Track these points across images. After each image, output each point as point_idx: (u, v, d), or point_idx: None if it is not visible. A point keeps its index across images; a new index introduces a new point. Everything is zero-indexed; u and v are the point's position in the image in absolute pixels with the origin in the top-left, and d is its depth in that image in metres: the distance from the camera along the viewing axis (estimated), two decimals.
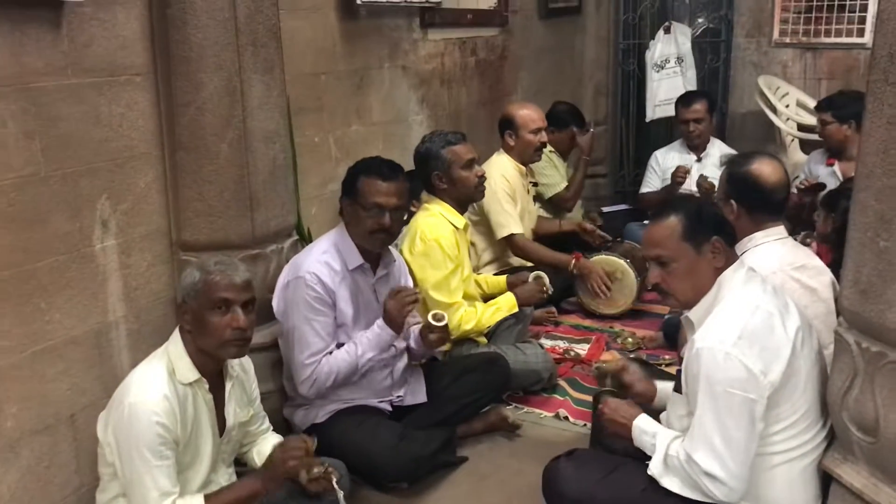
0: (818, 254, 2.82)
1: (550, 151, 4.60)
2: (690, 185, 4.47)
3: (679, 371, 2.13)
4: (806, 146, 5.04)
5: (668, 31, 5.52)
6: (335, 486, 2.22)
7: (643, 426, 2.14)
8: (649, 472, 2.06)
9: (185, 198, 2.60)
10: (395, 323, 2.66)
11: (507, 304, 3.30)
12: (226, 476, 2.32)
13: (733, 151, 4.77)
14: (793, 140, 5.28)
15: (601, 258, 4.06)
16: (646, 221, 4.73)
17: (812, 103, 5.26)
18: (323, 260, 2.66)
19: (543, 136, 4.07)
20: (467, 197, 3.30)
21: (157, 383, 2.07)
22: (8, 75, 2.09)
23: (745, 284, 2.05)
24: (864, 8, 5.20)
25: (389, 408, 2.82)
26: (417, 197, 3.32)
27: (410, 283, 2.98)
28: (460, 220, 3.25)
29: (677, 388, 2.12)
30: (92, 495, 2.28)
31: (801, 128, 5.18)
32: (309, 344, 2.62)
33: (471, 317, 3.16)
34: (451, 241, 3.12)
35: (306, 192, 3.32)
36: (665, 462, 2.03)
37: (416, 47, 4.06)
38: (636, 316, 4.13)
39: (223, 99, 2.55)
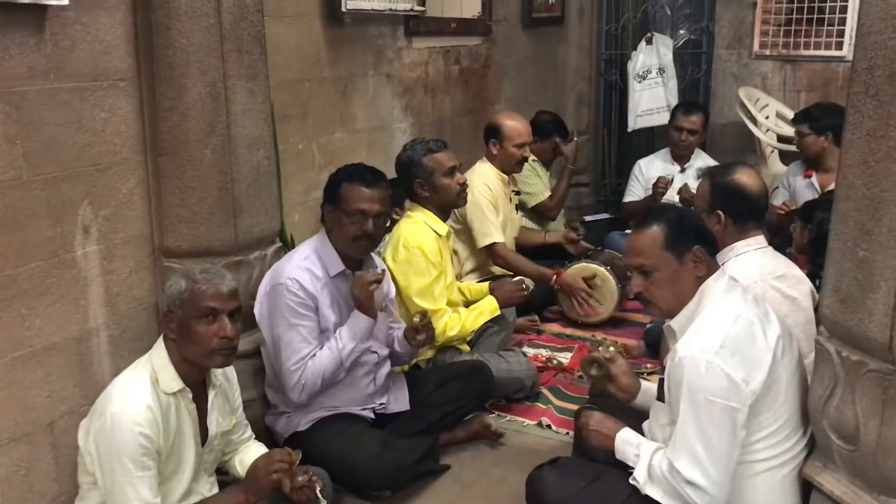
0: (798, 264, 2.86)
1: (533, 160, 4.61)
2: (672, 196, 4.50)
3: (661, 380, 2.14)
4: (785, 157, 5.10)
5: (650, 42, 5.57)
6: (318, 495, 2.22)
7: (627, 438, 2.15)
8: (632, 481, 2.07)
9: (167, 204, 2.58)
10: (364, 305, 2.65)
11: (488, 308, 3.30)
12: (208, 485, 2.31)
13: (716, 163, 4.82)
14: (772, 151, 5.34)
15: (582, 266, 4.08)
16: (627, 231, 4.78)
17: (791, 115, 5.32)
18: (304, 266, 2.65)
19: (527, 151, 4.08)
20: (449, 204, 3.30)
21: (139, 393, 2.05)
22: None
23: (726, 293, 2.07)
24: (842, 21, 5.27)
25: (372, 416, 2.81)
26: (400, 205, 3.32)
27: (393, 290, 2.98)
28: (443, 228, 3.25)
29: (660, 398, 2.13)
30: (71, 503, 2.25)
31: (781, 139, 5.23)
32: (296, 350, 2.61)
33: (455, 323, 3.16)
34: (434, 248, 3.12)
35: (290, 198, 3.32)
36: (648, 472, 2.04)
37: (401, 55, 4.07)
38: (618, 324, 4.15)
39: (207, 105, 2.54)
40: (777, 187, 4.48)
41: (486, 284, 3.53)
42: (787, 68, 5.63)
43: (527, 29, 5.40)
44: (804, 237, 3.17)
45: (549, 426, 3.14)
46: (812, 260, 3.00)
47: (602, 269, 4.04)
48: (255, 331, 2.72)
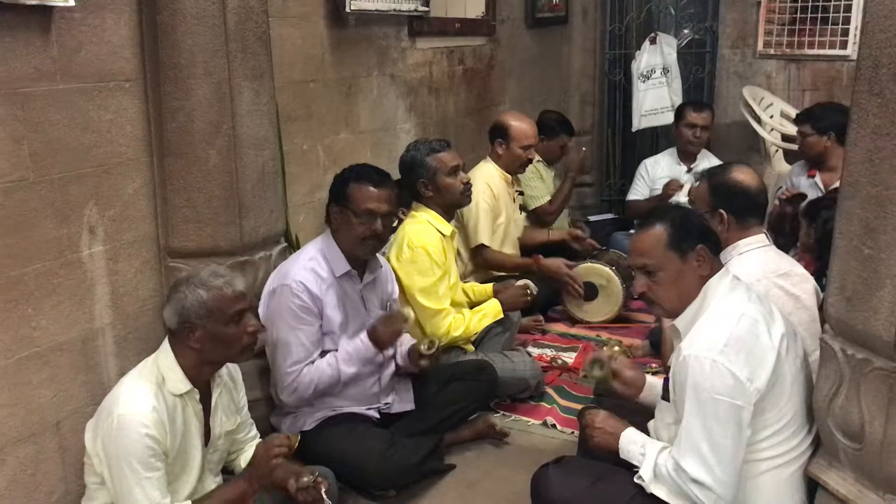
0: (803, 263, 2.86)
1: (538, 161, 4.62)
2: (680, 197, 4.49)
3: (666, 379, 2.14)
4: (790, 156, 5.08)
5: (653, 41, 5.57)
6: (324, 496, 2.22)
7: (632, 437, 2.15)
8: (637, 480, 2.07)
9: (173, 204, 2.59)
10: (381, 343, 2.69)
11: (492, 311, 3.31)
12: (213, 485, 2.32)
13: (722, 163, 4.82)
14: (777, 150, 5.33)
15: (587, 266, 4.08)
16: (632, 231, 4.79)
17: (795, 114, 5.32)
18: (309, 267, 2.66)
19: (533, 153, 4.09)
20: (453, 203, 3.31)
21: (145, 395, 2.07)
22: None
23: (730, 292, 2.06)
24: (846, 20, 5.26)
25: (377, 415, 2.81)
26: (407, 205, 3.32)
27: (396, 290, 2.99)
28: (447, 228, 3.25)
29: (665, 397, 2.13)
30: (78, 503, 2.26)
31: (785, 138, 5.22)
32: (292, 353, 2.62)
33: (459, 324, 3.17)
34: (439, 248, 3.13)
35: (295, 199, 3.32)
36: (654, 471, 2.04)
37: (405, 56, 4.07)
38: (622, 324, 4.15)
39: (212, 105, 2.55)
40: (781, 187, 4.47)
41: (489, 286, 3.53)
42: (792, 67, 5.62)
43: (530, 29, 5.41)
44: (810, 236, 3.17)
45: (553, 425, 3.14)
46: (818, 258, 3.00)
47: (608, 269, 4.04)
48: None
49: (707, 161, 4.76)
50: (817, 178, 4.10)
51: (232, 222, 2.65)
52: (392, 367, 2.88)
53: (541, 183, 4.64)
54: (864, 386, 1.80)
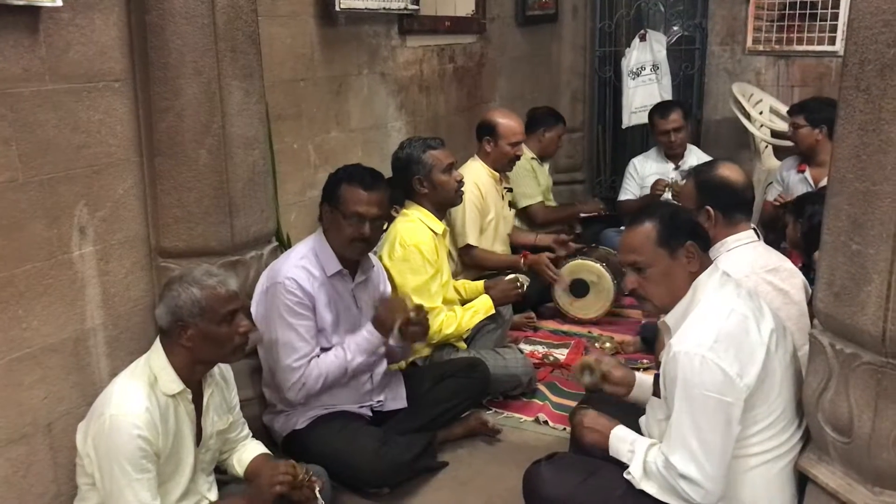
0: (791, 259, 2.87)
1: (532, 159, 4.64)
2: (668, 194, 4.50)
3: (657, 375, 2.15)
4: (779, 152, 5.11)
5: (643, 38, 5.58)
6: (317, 494, 2.22)
7: (620, 435, 2.17)
8: (626, 476, 2.08)
9: (163, 204, 2.59)
10: (385, 327, 2.68)
11: (483, 307, 3.32)
12: (206, 485, 2.31)
13: (710, 158, 4.83)
14: (766, 146, 5.35)
15: (578, 263, 4.09)
16: (622, 228, 4.79)
17: (785, 110, 5.34)
18: (301, 265, 2.66)
19: (521, 150, 4.09)
20: (448, 201, 3.32)
21: (137, 395, 2.06)
22: None
23: (719, 288, 2.08)
24: (835, 17, 5.29)
25: (370, 413, 2.82)
26: (400, 203, 3.32)
27: (389, 289, 2.99)
28: (439, 226, 3.26)
29: (656, 393, 2.14)
30: None
31: (775, 134, 5.25)
32: (296, 348, 2.61)
33: (451, 321, 3.17)
34: (431, 247, 3.13)
35: (285, 198, 3.32)
36: (644, 468, 2.05)
37: (395, 54, 4.07)
38: (614, 320, 4.16)
39: (202, 105, 2.54)
40: (771, 182, 4.50)
41: (481, 283, 3.54)
42: (781, 64, 5.65)
43: (520, 27, 5.41)
44: (797, 231, 3.19)
45: (546, 422, 3.15)
46: (805, 254, 3.02)
47: (599, 266, 4.05)
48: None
49: (695, 157, 4.77)
50: (807, 174, 4.13)
51: (223, 222, 2.64)
52: (384, 365, 2.88)
53: (534, 182, 4.64)
54: (852, 380, 1.82)
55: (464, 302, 3.42)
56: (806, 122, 4.07)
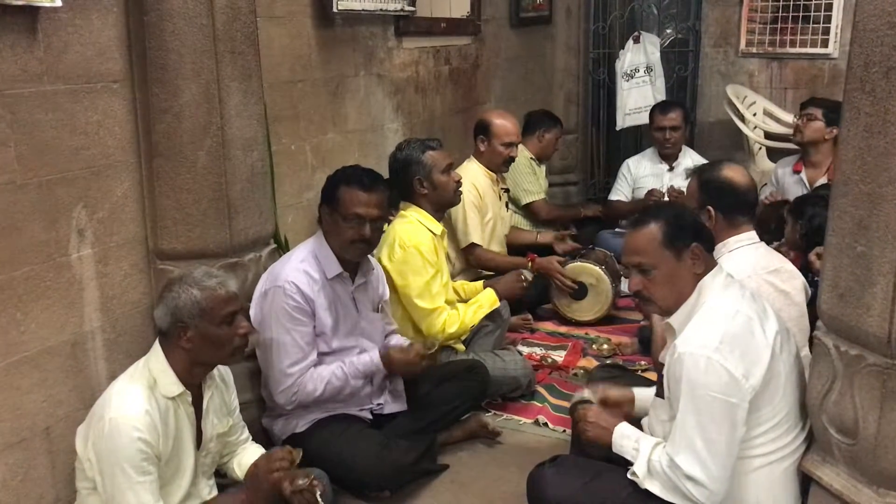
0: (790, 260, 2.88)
1: (531, 159, 4.64)
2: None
3: (661, 376, 2.15)
4: (773, 154, 5.13)
5: (637, 40, 5.60)
6: (318, 498, 2.21)
7: (625, 432, 2.16)
8: (630, 476, 2.07)
9: (162, 206, 2.57)
10: (393, 371, 2.74)
11: (488, 301, 3.31)
12: (207, 489, 2.30)
13: (704, 161, 4.85)
14: (760, 148, 5.37)
15: (576, 265, 4.08)
16: (618, 229, 4.81)
17: (778, 112, 5.37)
18: (301, 268, 2.64)
19: (514, 151, 4.08)
20: (447, 201, 3.31)
21: (138, 398, 2.05)
22: None
23: (724, 290, 2.08)
24: (828, 19, 5.32)
25: (370, 416, 2.80)
26: (395, 204, 3.32)
27: (388, 292, 2.98)
28: (437, 227, 3.25)
29: (659, 393, 2.14)
30: None
31: (769, 136, 5.27)
32: (289, 353, 2.60)
33: (454, 319, 3.17)
34: (431, 247, 3.12)
35: (283, 200, 3.30)
36: (648, 467, 2.05)
37: (392, 55, 4.06)
38: (610, 322, 4.16)
39: (201, 106, 2.52)
40: (766, 184, 4.51)
41: (480, 283, 3.54)
42: (774, 66, 5.67)
43: (515, 28, 5.41)
44: (796, 232, 3.20)
45: (545, 424, 3.15)
46: (805, 255, 3.03)
47: (597, 268, 4.05)
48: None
49: (689, 158, 4.80)
50: (803, 175, 4.14)
51: (221, 224, 2.62)
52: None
53: (535, 180, 4.66)
54: (857, 382, 1.82)
55: (463, 303, 3.41)
56: (822, 117, 4.05)
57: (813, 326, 2.54)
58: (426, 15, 4.33)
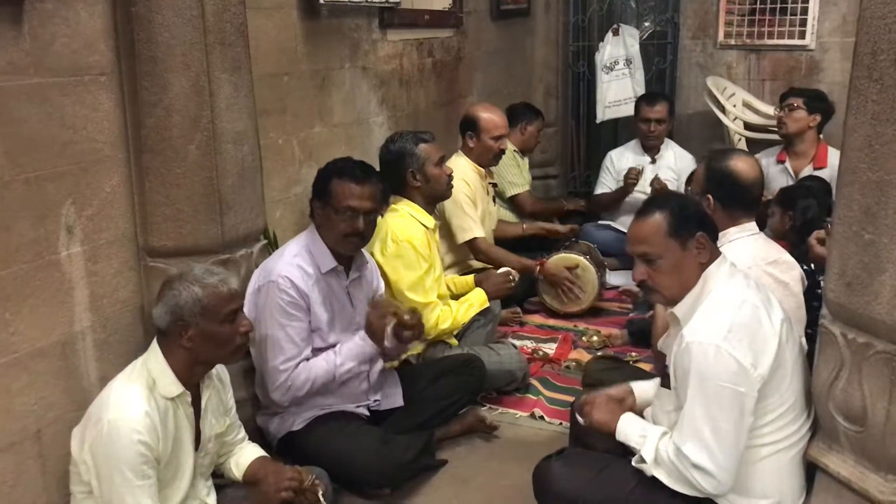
0: None
1: (514, 152, 4.62)
2: (644, 187, 4.53)
3: (665, 366, 2.14)
4: (752, 145, 5.16)
5: (616, 33, 5.60)
6: (321, 498, 2.18)
7: (631, 420, 2.15)
8: (636, 463, 2.06)
9: (152, 202, 2.50)
10: (376, 335, 2.63)
11: (478, 300, 3.30)
12: (205, 490, 2.26)
13: (686, 153, 4.88)
14: (740, 139, 5.41)
15: (560, 257, 4.08)
16: (601, 222, 4.83)
17: (757, 103, 5.41)
18: (295, 263, 2.60)
19: (504, 143, 4.06)
20: (439, 194, 3.29)
21: (137, 399, 1.99)
22: None
23: (729, 279, 2.07)
24: (804, 11, 5.36)
25: (367, 413, 2.77)
26: (386, 200, 3.28)
27: (382, 286, 2.95)
28: (430, 220, 3.22)
29: (665, 384, 2.13)
30: None
31: (748, 127, 5.31)
32: (283, 349, 2.56)
33: (447, 316, 3.15)
34: (424, 241, 3.10)
35: (271, 195, 3.24)
36: (655, 455, 2.04)
37: (376, 48, 4.02)
38: (598, 314, 4.17)
39: (191, 99, 2.46)
40: None
41: (471, 277, 3.52)
42: (752, 57, 5.70)
43: (495, 21, 5.38)
44: (785, 224, 3.21)
45: (541, 417, 3.13)
46: (796, 246, 3.04)
47: (582, 259, 4.04)
48: None
49: (671, 151, 4.83)
50: (787, 164, 4.17)
51: (212, 219, 2.57)
52: (380, 364, 2.83)
53: (518, 172, 4.65)
54: (865, 369, 1.83)
55: (455, 297, 3.39)
56: (804, 105, 4.09)
57: (809, 315, 2.57)
58: (409, 6, 4.29)
